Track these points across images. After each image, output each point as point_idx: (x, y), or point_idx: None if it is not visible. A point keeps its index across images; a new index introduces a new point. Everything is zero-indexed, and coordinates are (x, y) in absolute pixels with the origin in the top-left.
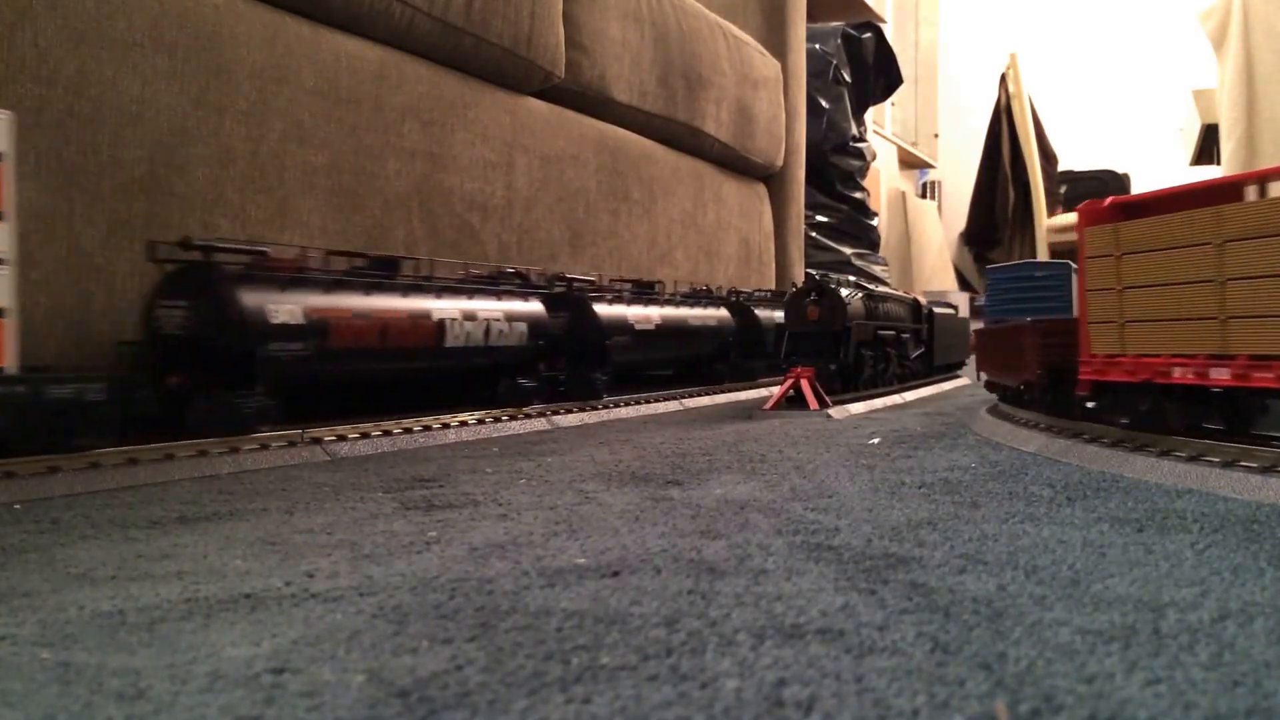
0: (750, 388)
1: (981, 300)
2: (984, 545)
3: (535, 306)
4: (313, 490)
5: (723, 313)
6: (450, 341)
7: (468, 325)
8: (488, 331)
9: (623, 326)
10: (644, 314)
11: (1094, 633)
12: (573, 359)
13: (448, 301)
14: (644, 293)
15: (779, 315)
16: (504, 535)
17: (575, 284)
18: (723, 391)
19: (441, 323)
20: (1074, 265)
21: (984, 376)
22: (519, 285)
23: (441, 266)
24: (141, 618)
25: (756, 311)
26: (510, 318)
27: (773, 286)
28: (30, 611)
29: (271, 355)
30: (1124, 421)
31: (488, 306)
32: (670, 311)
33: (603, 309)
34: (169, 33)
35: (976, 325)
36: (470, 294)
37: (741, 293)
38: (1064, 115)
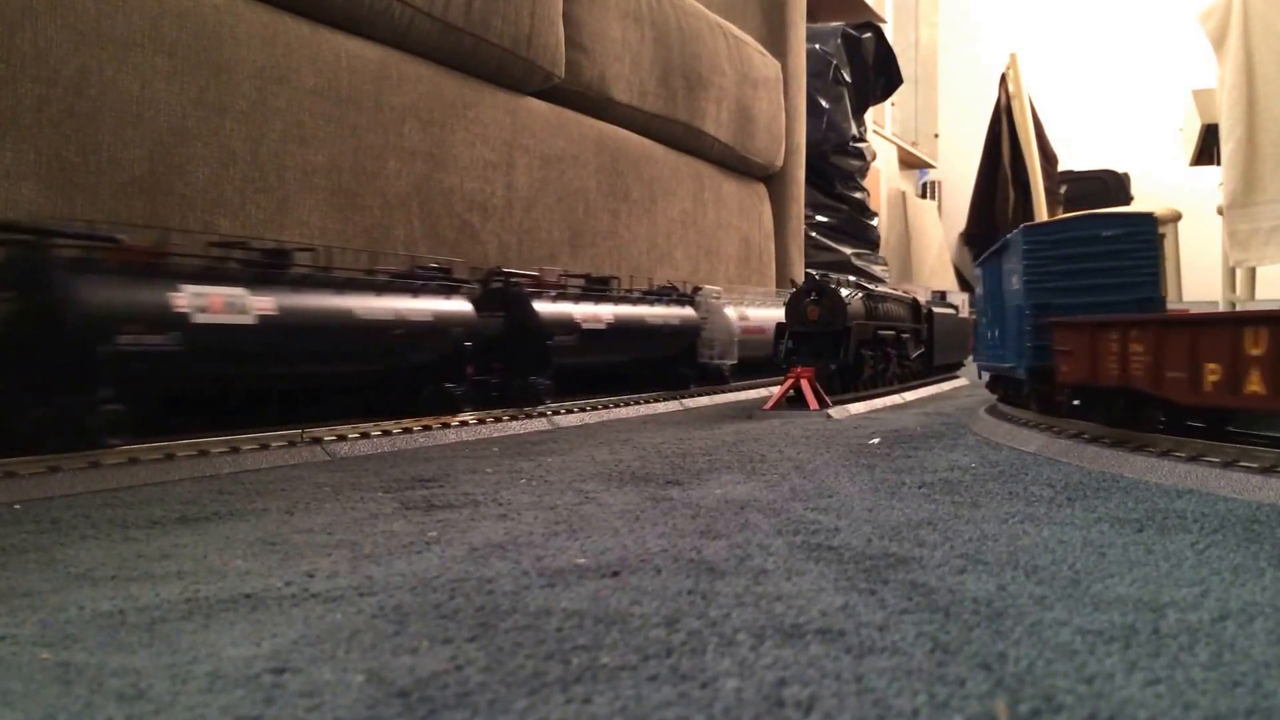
0: (748, 387)
1: (979, 290)
2: (984, 545)
3: None
4: (313, 490)
5: (457, 306)
6: None
7: None
8: None
9: (208, 325)
10: (255, 303)
11: (1094, 633)
12: (43, 381)
13: None
14: (265, 266)
15: (600, 310)
16: (504, 535)
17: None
18: (724, 392)
19: None
20: (1159, 218)
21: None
22: None
23: None
24: (141, 618)
25: (538, 306)
26: None
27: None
28: (30, 611)
29: None
30: None
31: None
32: (310, 300)
33: (191, 295)
34: (169, 32)
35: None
36: None
37: (515, 276)
38: (1064, 115)
